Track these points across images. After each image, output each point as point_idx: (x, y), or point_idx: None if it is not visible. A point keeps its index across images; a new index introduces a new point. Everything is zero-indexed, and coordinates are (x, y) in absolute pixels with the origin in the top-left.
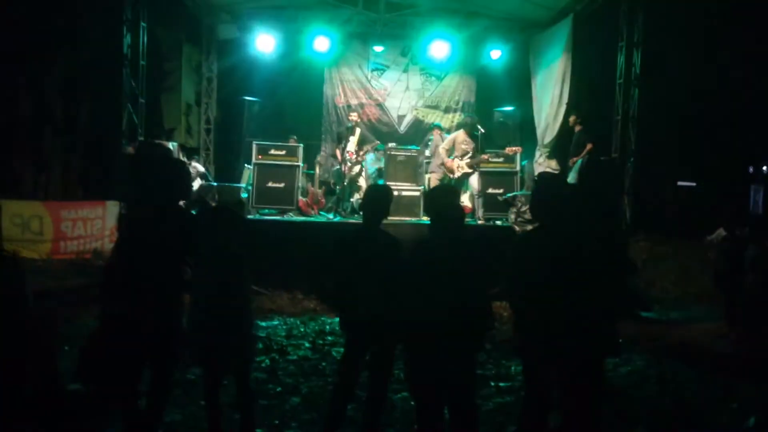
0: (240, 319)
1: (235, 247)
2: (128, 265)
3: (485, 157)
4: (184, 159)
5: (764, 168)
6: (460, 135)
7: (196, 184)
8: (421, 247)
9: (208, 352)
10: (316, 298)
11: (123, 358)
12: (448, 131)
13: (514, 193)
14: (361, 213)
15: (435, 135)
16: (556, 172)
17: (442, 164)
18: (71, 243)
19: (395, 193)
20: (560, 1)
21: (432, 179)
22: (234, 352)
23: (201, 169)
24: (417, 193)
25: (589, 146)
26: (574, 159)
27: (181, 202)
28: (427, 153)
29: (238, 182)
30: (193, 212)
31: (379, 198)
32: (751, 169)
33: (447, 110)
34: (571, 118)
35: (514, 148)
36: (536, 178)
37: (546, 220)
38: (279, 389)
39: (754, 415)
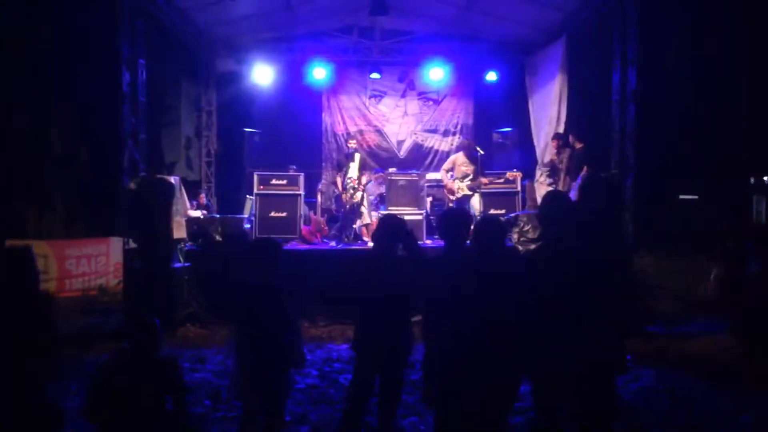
0: (285, 356)
1: (278, 281)
2: None
3: (485, 180)
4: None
5: (765, 178)
6: (460, 157)
7: (198, 212)
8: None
9: (251, 389)
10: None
11: None
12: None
13: (516, 213)
14: (369, 240)
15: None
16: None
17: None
18: (76, 281)
19: None
20: (554, 23)
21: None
22: (275, 389)
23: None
24: (419, 217)
25: (585, 169)
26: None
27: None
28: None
29: (241, 213)
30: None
31: (394, 226)
32: (752, 180)
33: (446, 133)
34: (571, 137)
35: (514, 173)
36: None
37: (550, 237)
38: (288, 419)
39: None
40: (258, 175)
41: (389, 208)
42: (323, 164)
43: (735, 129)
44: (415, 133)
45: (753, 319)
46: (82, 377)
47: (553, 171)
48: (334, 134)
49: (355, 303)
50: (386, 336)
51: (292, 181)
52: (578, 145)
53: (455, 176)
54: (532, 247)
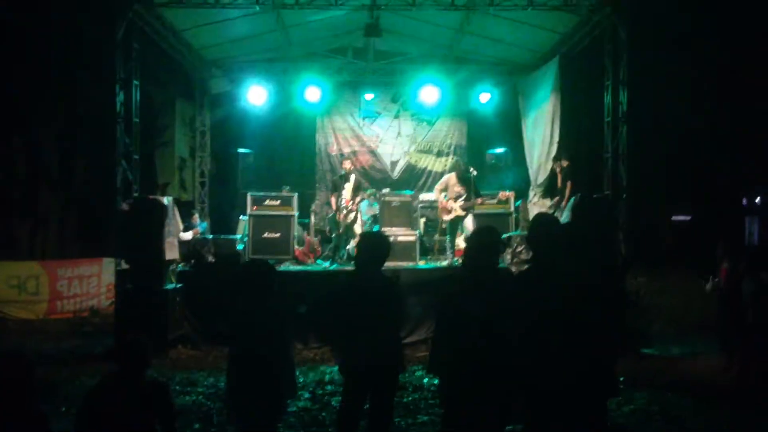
0: (279, 379)
1: (274, 303)
2: None
3: (478, 200)
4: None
5: (757, 199)
6: (453, 177)
7: (189, 235)
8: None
9: (246, 413)
10: (318, 341)
11: None
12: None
13: (509, 234)
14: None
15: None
16: (552, 211)
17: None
18: (68, 302)
19: (391, 238)
20: (546, 44)
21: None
22: (269, 412)
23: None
24: (412, 238)
25: (569, 184)
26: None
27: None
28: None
29: (234, 234)
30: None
31: (373, 245)
32: (744, 201)
33: (439, 154)
34: (562, 159)
35: (506, 193)
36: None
37: (541, 258)
38: None
39: None
40: (251, 195)
41: (383, 228)
42: (317, 185)
43: (728, 150)
44: (409, 154)
45: (747, 339)
46: (73, 400)
47: (550, 191)
48: (328, 155)
49: (342, 324)
50: (372, 358)
51: (286, 202)
52: (564, 163)
53: (449, 197)
54: (525, 267)
